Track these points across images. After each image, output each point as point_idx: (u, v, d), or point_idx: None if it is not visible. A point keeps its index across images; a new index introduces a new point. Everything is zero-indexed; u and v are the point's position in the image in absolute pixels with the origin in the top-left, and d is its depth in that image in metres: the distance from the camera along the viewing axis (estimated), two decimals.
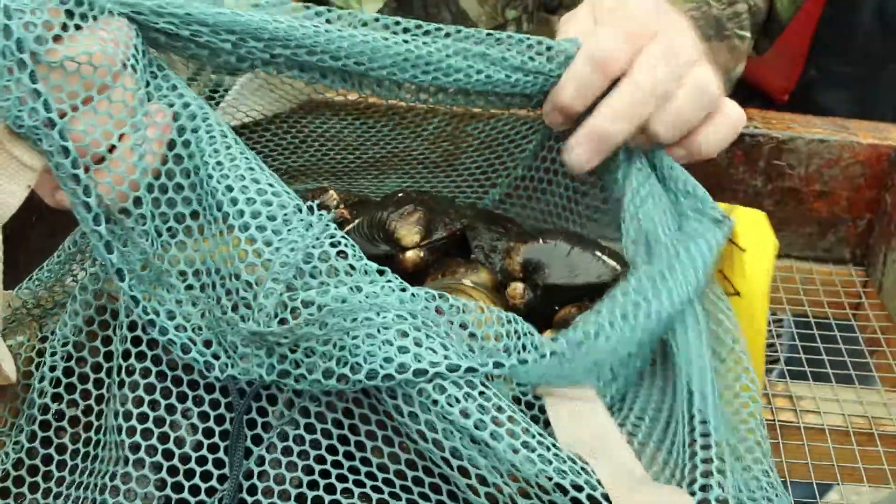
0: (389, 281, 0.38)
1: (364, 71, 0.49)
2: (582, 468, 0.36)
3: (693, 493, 0.37)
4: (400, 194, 0.59)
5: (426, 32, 0.51)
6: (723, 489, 0.37)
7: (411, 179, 0.68)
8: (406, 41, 0.49)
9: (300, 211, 0.40)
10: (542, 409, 0.41)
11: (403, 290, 0.38)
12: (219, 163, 0.40)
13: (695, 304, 0.46)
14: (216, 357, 0.40)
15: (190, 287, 0.40)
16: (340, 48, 0.47)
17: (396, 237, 0.55)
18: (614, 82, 0.53)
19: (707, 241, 0.48)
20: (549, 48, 0.54)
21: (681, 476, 0.39)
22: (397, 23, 0.50)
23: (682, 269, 0.45)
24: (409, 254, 0.55)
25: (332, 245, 0.39)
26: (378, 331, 0.37)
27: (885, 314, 0.71)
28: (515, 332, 0.40)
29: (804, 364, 0.65)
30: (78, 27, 0.38)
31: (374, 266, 0.39)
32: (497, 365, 0.38)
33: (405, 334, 0.37)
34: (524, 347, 0.40)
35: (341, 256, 0.38)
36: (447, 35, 0.51)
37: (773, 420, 0.60)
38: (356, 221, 0.57)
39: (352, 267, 0.38)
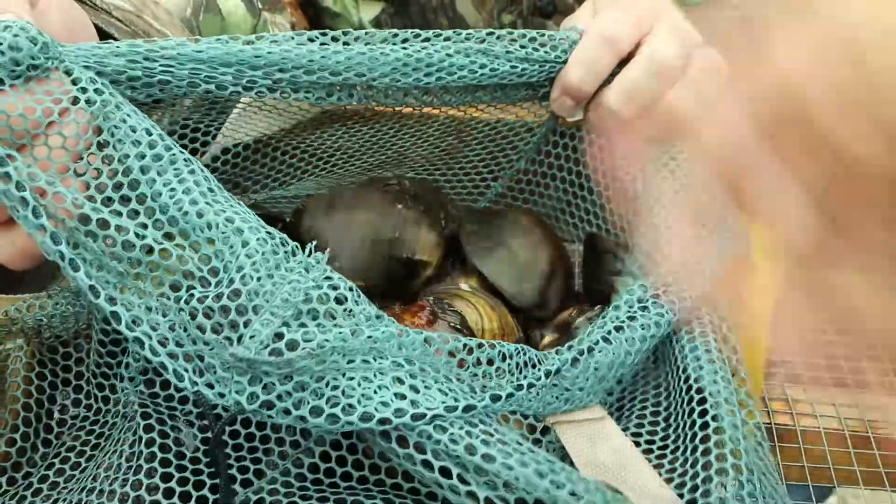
0: (387, 325, 0.38)
1: (366, 81, 0.49)
2: (596, 487, 0.36)
3: (709, 491, 0.38)
4: (393, 182, 0.60)
5: (425, 39, 0.51)
6: (741, 485, 0.38)
7: (414, 174, 0.69)
8: (405, 47, 0.50)
9: (294, 254, 0.39)
10: (557, 441, 0.41)
11: (401, 334, 0.37)
12: (202, 193, 0.40)
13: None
14: (187, 366, 0.37)
15: (163, 295, 0.38)
16: (338, 63, 0.48)
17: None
18: (621, 65, 0.54)
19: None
20: (551, 37, 0.54)
21: (693, 474, 0.40)
22: (395, 35, 0.51)
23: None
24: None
25: (332, 288, 0.38)
26: (374, 375, 0.36)
27: None
28: (517, 364, 0.40)
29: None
30: (12, 86, 0.39)
31: (374, 311, 0.38)
32: (495, 398, 0.38)
33: (401, 381, 0.37)
34: (523, 376, 0.40)
35: (340, 301, 0.38)
36: (447, 39, 0.51)
37: (770, 423, 0.60)
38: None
39: (350, 312, 0.38)
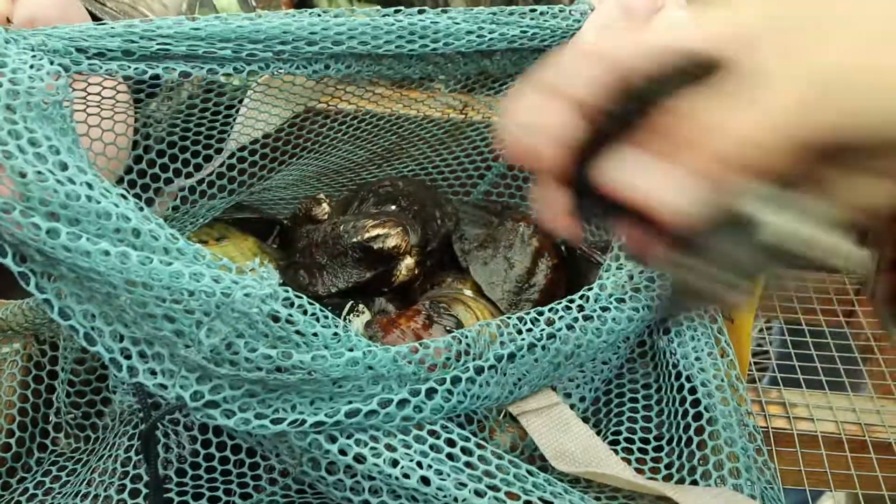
0: (350, 347, 0.36)
1: (370, 50, 0.48)
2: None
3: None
4: (386, 183, 0.59)
5: (434, 14, 0.51)
6: (737, 474, 0.38)
7: (414, 162, 0.68)
8: (410, 17, 0.49)
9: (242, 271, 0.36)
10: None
11: (352, 350, 0.36)
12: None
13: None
14: (125, 353, 0.35)
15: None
16: (341, 33, 0.47)
17: (389, 248, 0.54)
18: None
19: None
20: (562, 9, 0.54)
21: (690, 468, 0.40)
22: (398, 10, 0.50)
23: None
24: (403, 269, 0.54)
25: (286, 303, 0.35)
26: (330, 398, 0.36)
27: (878, 322, 0.72)
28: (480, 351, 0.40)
29: (798, 371, 0.65)
30: None
31: (329, 329, 0.36)
32: (455, 380, 0.37)
33: (346, 397, 0.36)
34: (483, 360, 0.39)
35: (290, 319, 0.35)
36: (456, 14, 0.51)
37: (767, 427, 0.60)
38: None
39: (300, 332, 0.35)
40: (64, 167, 0.34)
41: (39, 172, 0.33)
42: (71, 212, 0.33)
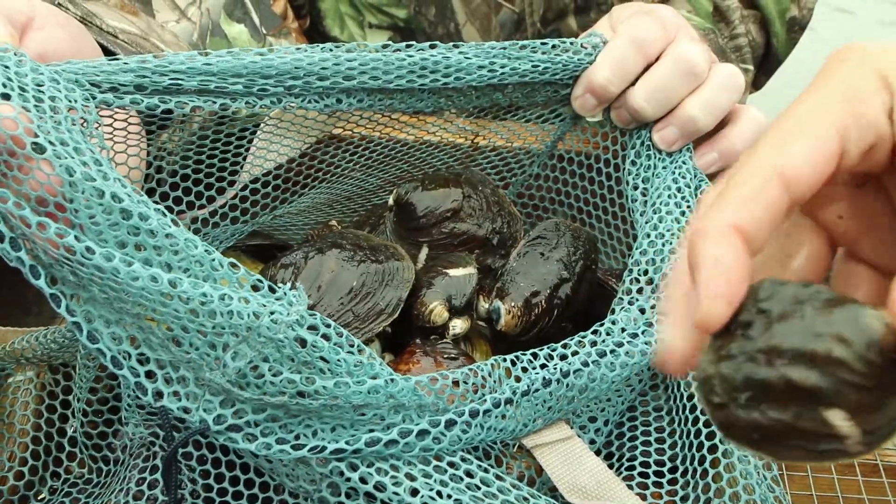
0: (373, 374, 0.37)
1: (381, 85, 0.49)
2: None
3: None
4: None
5: (445, 49, 0.51)
6: None
7: None
8: (421, 52, 0.50)
9: (274, 290, 0.37)
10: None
11: (374, 377, 0.36)
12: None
13: None
14: (151, 377, 0.35)
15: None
16: (352, 68, 0.48)
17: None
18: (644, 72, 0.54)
19: None
20: (572, 43, 0.54)
21: (705, 500, 0.40)
22: (409, 45, 0.50)
23: None
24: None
25: (311, 329, 0.36)
26: (351, 425, 0.36)
27: None
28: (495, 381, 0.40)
29: None
30: None
31: (353, 356, 0.36)
32: (474, 413, 0.38)
33: (366, 425, 0.36)
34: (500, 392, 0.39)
35: (315, 347, 0.36)
36: (468, 49, 0.51)
37: None
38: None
39: (324, 358, 0.36)
40: (105, 177, 0.35)
41: (88, 173, 0.34)
42: (114, 218, 0.34)
